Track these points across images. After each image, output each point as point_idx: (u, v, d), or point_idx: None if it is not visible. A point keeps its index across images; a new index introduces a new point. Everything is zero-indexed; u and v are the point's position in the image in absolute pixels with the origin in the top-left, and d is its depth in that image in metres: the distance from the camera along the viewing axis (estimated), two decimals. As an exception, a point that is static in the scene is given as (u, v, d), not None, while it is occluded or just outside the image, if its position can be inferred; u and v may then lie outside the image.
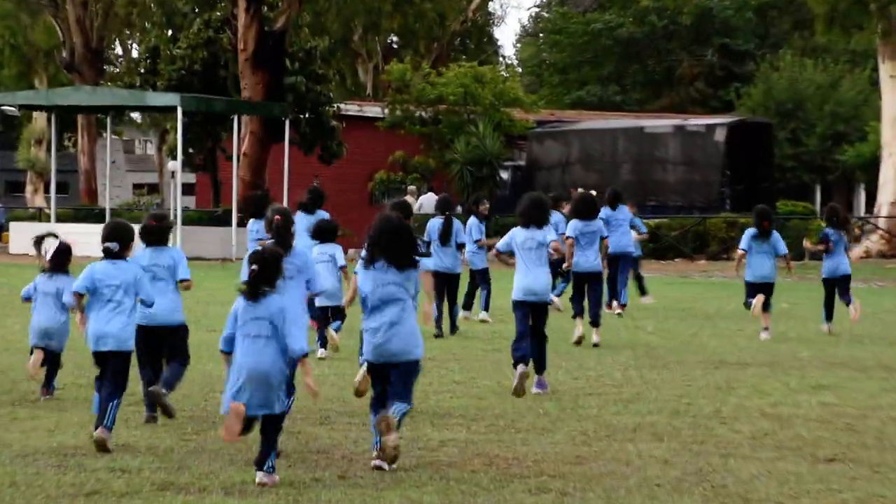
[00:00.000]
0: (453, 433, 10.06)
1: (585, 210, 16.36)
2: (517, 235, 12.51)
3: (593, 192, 18.34)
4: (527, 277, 12.37)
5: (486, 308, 19.36)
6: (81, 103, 42.06)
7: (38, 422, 10.39)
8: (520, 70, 76.72)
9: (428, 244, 17.34)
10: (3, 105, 43.70)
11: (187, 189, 50.77)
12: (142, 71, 45.53)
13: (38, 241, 11.44)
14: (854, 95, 52.83)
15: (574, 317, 16.34)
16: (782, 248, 17.25)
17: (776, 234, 17.32)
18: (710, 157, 41.39)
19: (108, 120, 44.29)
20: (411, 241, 9.04)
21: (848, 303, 18.15)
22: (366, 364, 9.25)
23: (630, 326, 18.79)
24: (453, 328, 17.62)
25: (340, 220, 19.91)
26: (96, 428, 9.19)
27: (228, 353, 8.57)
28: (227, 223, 37.99)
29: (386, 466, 8.63)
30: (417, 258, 9.00)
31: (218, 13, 44.60)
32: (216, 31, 44.81)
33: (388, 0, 42.47)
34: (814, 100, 52.76)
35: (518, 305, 12.42)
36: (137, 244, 10.10)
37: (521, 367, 11.83)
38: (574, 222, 16.25)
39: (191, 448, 9.37)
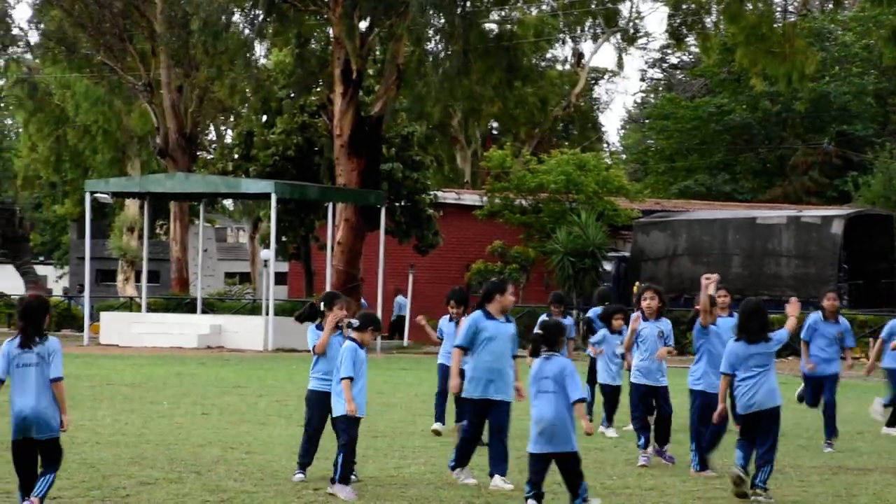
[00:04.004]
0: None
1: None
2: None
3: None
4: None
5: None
6: (175, 190, 40.97)
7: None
8: (624, 157, 75.11)
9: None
10: (96, 192, 42.86)
11: (280, 278, 49.69)
12: (235, 157, 44.61)
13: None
14: (983, 188, 50.08)
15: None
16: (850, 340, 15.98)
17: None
18: (827, 251, 39.38)
19: (201, 207, 43.40)
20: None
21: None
22: None
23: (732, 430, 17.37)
24: None
25: (434, 312, 18.46)
26: None
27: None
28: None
29: None
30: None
31: (313, 98, 43.63)
32: (311, 115, 43.94)
33: (489, 85, 41.11)
34: (938, 191, 50.13)
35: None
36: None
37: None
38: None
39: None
